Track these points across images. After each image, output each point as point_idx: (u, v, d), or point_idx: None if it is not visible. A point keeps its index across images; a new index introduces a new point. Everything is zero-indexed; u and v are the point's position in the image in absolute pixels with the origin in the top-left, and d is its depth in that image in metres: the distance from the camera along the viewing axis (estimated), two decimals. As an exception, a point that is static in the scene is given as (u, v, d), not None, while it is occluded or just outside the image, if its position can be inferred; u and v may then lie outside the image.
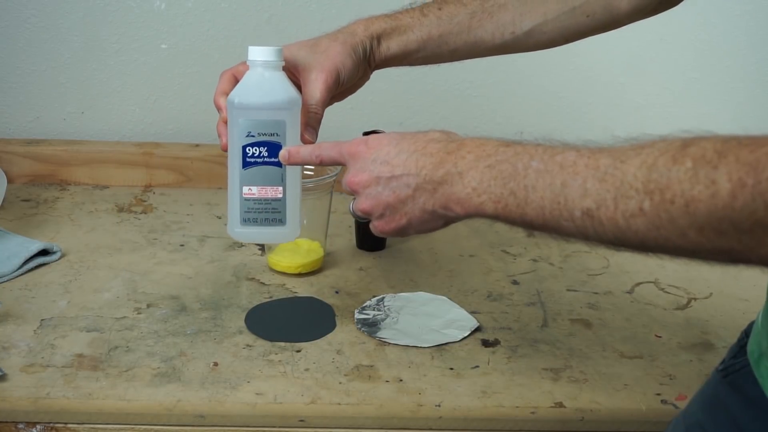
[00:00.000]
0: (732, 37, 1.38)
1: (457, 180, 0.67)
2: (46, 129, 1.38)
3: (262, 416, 0.87)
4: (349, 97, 1.38)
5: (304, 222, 0.87)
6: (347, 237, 1.22)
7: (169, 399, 0.86)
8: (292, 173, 0.86)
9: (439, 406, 0.87)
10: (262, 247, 1.15)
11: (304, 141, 0.88)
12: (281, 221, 0.87)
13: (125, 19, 1.33)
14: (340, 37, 0.89)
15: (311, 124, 0.88)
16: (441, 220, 0.72)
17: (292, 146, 0.84)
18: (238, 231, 0.88)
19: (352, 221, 1.21)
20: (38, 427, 0.86)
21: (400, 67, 1.37)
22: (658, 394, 0.91)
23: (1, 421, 0.86)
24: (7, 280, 1.06)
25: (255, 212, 0.87)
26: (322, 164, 0.82)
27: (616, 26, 0.90)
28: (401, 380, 0.91)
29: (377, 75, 1.37)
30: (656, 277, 1.16)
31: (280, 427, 0.87)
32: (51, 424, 0.86)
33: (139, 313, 1.00)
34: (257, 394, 0.88)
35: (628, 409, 0.89)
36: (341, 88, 0.91)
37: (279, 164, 0.85)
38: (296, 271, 1.10)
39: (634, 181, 0.55)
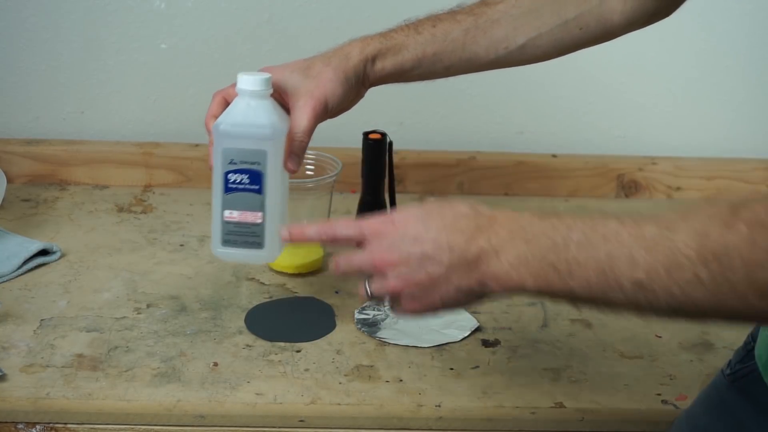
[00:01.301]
0: (732, 37, 1.38)
1: (493, 257, 0.65)
2: (46, 129, 1.38)
3: (262, 416, 0.87)
4: (349, 97, 1.39)
5: (287, 242, 0.89)
6: (347, 237, 1.21)
7: (169, 399, 0.86)
8: (273, 199, 0.89)
9: (439, 406, 0.87)
10: (262, 247, 1.15)
11: (287, 168, 0.89)
12: (260, 245, 0.90)
13: (125, 19, 1.33)
14: (333, 62, 0.89)
15: (295, 151, 0.88)
16: (476, 296, 0.68)
17: (294, 227, 0.79)
18: (219, 251, 0.91)
19: (352, 221, 1.20)
20: (38, 427, 0.86)
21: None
22: (658, 394, 0.91)
23: (1, 421, 0.86)
24: (7, 280, 1.06)
25: (235, 235, 0.89)
26: (335, 244, 0.78)
27: (610, 38, 0.90)
28: (401, 380, 0.91)
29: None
30: (656, 277, 1.16)
31: (280, 427, 0.87)
32: (51, 424, 0.86)
33: (139, 313, 1.00)
34: (257, 394, 0.87)
35: (628, 409, 0.89)
36: (330, 114, 0.91)
37: (260, 191, 0.88)
38: (296, 271, 1.10)
39: (686, 249, 0.54)
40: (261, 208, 0.88)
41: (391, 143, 1.15)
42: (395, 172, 1.28)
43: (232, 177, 0.88)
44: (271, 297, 1.05)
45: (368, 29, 1.34)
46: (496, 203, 1.34)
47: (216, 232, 0.90)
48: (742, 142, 1.44)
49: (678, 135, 1.44)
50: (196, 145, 1.36)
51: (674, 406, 0.89)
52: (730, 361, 0.69)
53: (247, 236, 0.89)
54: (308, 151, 1.14)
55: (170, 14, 1.33)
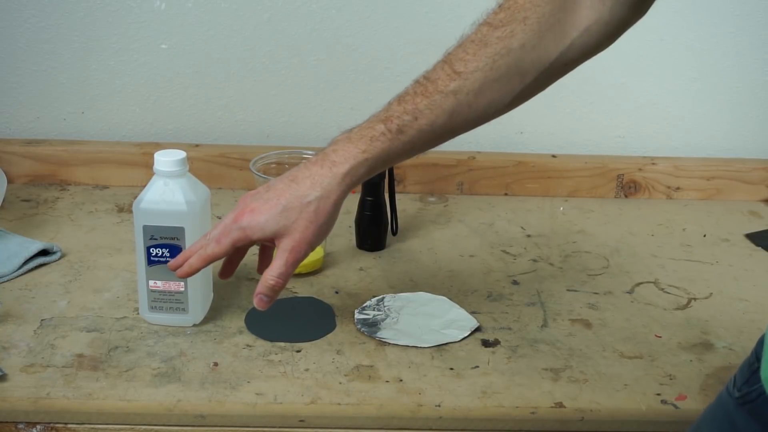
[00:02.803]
0: (732, 37, 1.38)
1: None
2: (46, 129, 1.38)
3: (262, 416, 0.87)
4: (349, 96, 1.39)
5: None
6: (347, 237, 1.22)
7: (169, 399, 0.86)
8: None
9: (439, 406, 0.88)
10: (262, 247, 1.15)
11: (256, 305, 0.86)
12: (184, 310, 0.97)
13: (125, 19, 1.33)
14: (312, 204, 0.84)
15: (264, 291, 0.85)
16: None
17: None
18: (147, 315, 0.98)
19: (352, 221, 1.21)
20: (38, 427, 0.86)
21: (400, 67, 1.38)
22: (658, 394, 0.91)
23: (1, 421, 0.86)
24: (7, 280, 1.06)
25: (160, 302, 0.97)
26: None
27: (589, 58, 0.86)
28: (401, 380, 0.91)
29: (377, 74, 1.38)
30: (656, 277, 1.16)
31: (280, 427, 0.87)
32: (51, 424, 0.86)
33: (139, 313, 1.00)
34: (257, 394, 0.88)
35: (628, 409, 0.89)
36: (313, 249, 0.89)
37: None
38: (296, 271, 1.10)
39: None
40: (182, 278, 0.93)
41: (391, 143, 1.15)
42: (395, 172, 1.29)
43: (153, 251, 0.95)
44: (271, 297, 1.05)
45: (368, 29, 1.35)
46: (496, 203, 1.36)
47: (143, 300, 0.97)
48: (742, 142, 1.44)
49: (678, 135, 1.44)
50: (197, 145, 1.36)
51: (674, 406, 0.89)
52: (734, 379, 0.67)
53: (171, 303, 0.97)
54: (308, 152, 1.15)
55: (170, 14, 1.33)
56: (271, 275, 0.85)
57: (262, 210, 0.84)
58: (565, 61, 0.82)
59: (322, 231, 0.85)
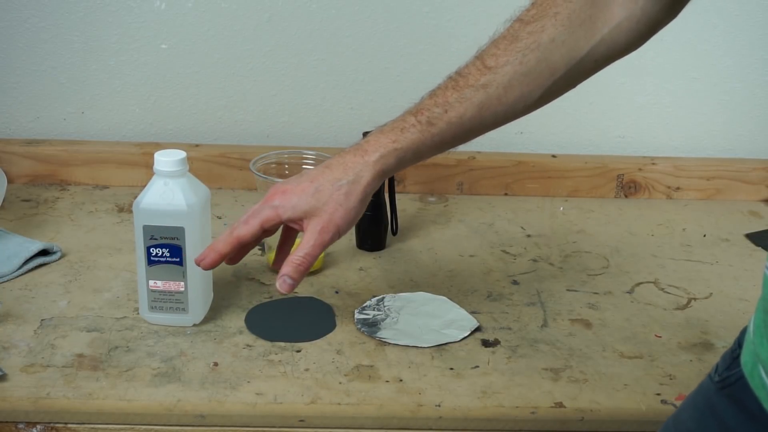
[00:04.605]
0: (732, 37, 1.38)
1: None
2: (46, 129, 1.38)
3: (262, 416, 0.87)
4: (349, 96, 1.39)
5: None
6: (347, 237, 1.21)
7: (169, 399, 0.86)
8: (194, 268, 0.94)
9: (439, 406, 0.88)
10: (262, 247, 1.15)
11: (278, 289, 0.87)
12: (184, 310, 0.97)
13: (125, 19, 1.33)
14: (344, 187, 0.86)
15: (288, 273, 0.86)
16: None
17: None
18: (147, 315, 0.98)
19: (352, 221, 1.21)
20: (38, 427, 0.86)
21: (400, 67, 1.38)
22: (658, 394, 0.91)
23: (1, 421, 0.86)
24: (7, 280, 1.06)
25: (160, 302, 0.97)
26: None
27: (616, 60, 0.87)
28: (401, 380, 0.91)
29: (376, 75, 1.38)
30: (656, 277, 1.16)
31: (280, 427, 0.87)
32: (51, 424, 0.86)
33: (139, 313, 1.00)
34: (257, 394, 0.88)
35: (628, 409, 0.89)
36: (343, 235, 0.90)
37: (180, 263, 0.95)
38: (296, 271, 1.10)
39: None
40: (183, 277, 0.95)
41: (391, 143, 1.15)
42: (395, 172, 1.29)
43: (153, 251, 0.95)
44: (271, 297, 1.05)
45: (367, 29, 1.35)
46: (496, 203, 1.36)
47: (143, 299, 0.97)
48: (742, 142, 1.44)
49: (678, 135, 1.44)
50: (197, 145, 1.36)
51: (674, 406, 0.89)
52: (717, 366, 0.69)
53: (171, 303, 0.97)
54: (308, 151, 1.15)
55: (170, 14, 1.33)
56: (297, 255, 0.86)
57: (295, 191, 0.87)
58: (596, 57, 0.84)
59: (350, 215, 0.86)
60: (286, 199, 0.87)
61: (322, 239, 0.86)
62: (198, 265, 0.90)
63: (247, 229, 0.87)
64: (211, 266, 0.89)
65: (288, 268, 0.86)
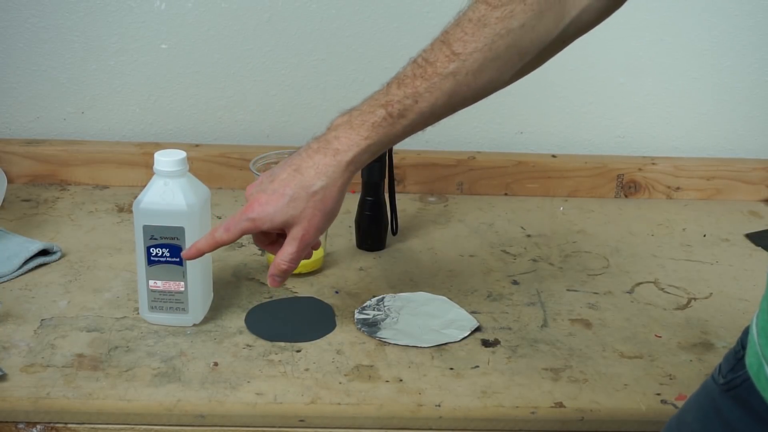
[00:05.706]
0: (732, 37, 1.38)
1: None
2: (46, 129, 1.38)
3: (262, 416, 0.87)
4: (349, 96, 1.38)
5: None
6: (347, 237, 1.22)
7: (169, 399, 0.86)
8: (194, 268, 0.95)
9: (439, 406, 0.88)
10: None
11: (269, 283, 0.91)
12: (184, 310, 0.97)
13: (125, 19, 1.33)
14: (318, 193, 0.85)
15: (276, 273, 0.89)
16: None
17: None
18: (147, 315, 0.98)
19: (352, 221, 1.21)
20: (38, 427, 0.86)
21: (400, 67, 1.37)
22: (658, 394, 0.91)
23: (1, 421, 0.86)
24: (7, 280, 1.06)
25: (160, 302, 0.97)
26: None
27: (579, 36, 0.87)
28: (401, 380, 0.91)
29: (377, 75, 1.37)
30: (656, 277, 1.16)
31: (280, 427, 0.87)
32: (51, 424, 0.86)
33: (139, 313, 1.00)
34: (257, 394, 0.88)
35: (628, 409, 0.89)
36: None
37: (180, 263, 0.95)
38: (296, 271, 1.10)
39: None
40: (183, 277, 0.95)
41: (391, 143, 1.15)
42: (395, 172, 1.29)
43: (153, 251, 0.95)
44: (271, 297, 1.05)
45: (367, 29, 1.35)
46: (496, 203, 1.36)
47: (143, 299, 0.98)
48: (742, 142, 1.44)
49: (677, 135, 1.44)
50: (197, 145, 1.36)
51: (674, 406, 0.89)
52: (720, 367, 0.68)
53: (171, 303, 0.97)
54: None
55: (170, 14, 1.33)
56: (282, 260, 0.88)
57: (270, 201, 0.86)
58: (565, 38, 0.83)
59: (328, 217, 0.88)
60: (262, 210, 0.86)
61: (304, 244, 0.88)
62: (183, 257, 0.93)
63: (227, 236, 0.88)
64: (190, 258, 0.92)
65: (275, 270, 0.89)
